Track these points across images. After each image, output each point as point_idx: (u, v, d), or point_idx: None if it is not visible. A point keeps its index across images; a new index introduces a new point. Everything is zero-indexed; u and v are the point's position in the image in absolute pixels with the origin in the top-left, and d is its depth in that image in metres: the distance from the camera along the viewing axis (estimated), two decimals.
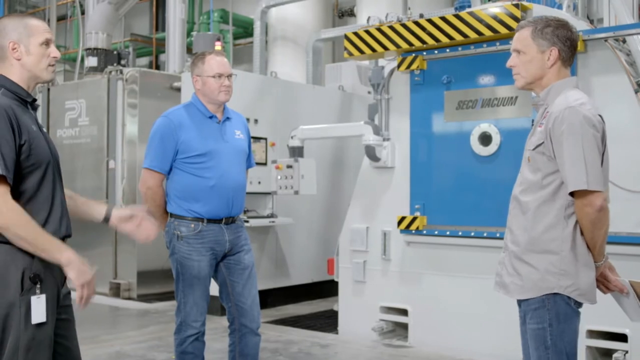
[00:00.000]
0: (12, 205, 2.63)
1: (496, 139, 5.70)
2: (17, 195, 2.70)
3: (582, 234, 2.88)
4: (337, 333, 6.75)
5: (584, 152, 2.77)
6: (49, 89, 9.82)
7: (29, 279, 2.68)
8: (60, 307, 2.87)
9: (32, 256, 2.70)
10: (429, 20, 5.91)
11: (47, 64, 2.87)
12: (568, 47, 2.96)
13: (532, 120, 3.10)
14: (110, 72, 9.19)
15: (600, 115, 2.89)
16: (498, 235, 5.59)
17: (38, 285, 2.70)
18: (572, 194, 2.82)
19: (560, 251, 2.86)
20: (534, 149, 2.93)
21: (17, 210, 2.64)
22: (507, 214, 3.10)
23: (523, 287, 2.95)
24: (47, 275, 2.75)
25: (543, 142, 2.88)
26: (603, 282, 3.01)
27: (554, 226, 2.88)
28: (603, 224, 2.83)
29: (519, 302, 3.06)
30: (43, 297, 2.70)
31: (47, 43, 2.86)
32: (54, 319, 2.78)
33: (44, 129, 2.95)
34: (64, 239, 2.89)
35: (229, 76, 4.17)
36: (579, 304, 2.93)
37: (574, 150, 2.77)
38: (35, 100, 2.91)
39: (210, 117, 4.17)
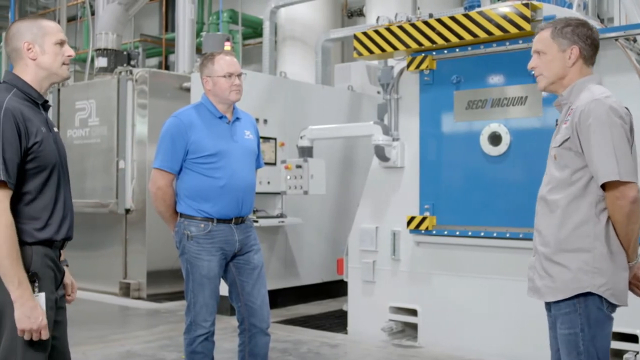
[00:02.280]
0: (6, 214, 2.63)
1: (506, 139, 5.68)
2: (19, 196, 2.71)
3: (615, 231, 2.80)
4: (346, 333, 6.75)
5: (614, 142, 2.71)
6: (59, 90, 9.87)
7: (27, 277, 2.68)
8: (57, 308, 2.87)
9: (31, 254, 2.71)
10: (439, 20, 5.90)
11: (62, 62, 2.89)
12: (589, 45, 2.95)
13: (556, 120, 3.04)
14: (120, 72, 9.22)
15: (626, 108, 2.86)
16: (508, 235, 5.59)
17: (36, 284, 2.69)
18: (603, 187, 2.75)
19: (592, 249, 2.79)
20: (559, 146, 2.88)
21: (8, 221, 2.63)
22: (534, 216, 3.02)
23: (555, 288, 2.86)
24: (45, 275, 2.75)
25: (569, 138, 2.83)
26: (636, 285, 2.93)
27: (585, 223, 2.80)
28: (638, 218, 2.74)
29: (548, 306, 2.97)
30: (42, 295, 2.70)
31: (61, 43, 2.88)
32: (52, 319, 2.78)
33: (56, 130, 2.95)
34: (64, 242, 2.89)
35: (239, 75, 4.18)
36: (612, 309, 2.85)
37: (602, 142, 2.72)
38: (47, 101, 2.92)
39: (220, 118, 4.18)
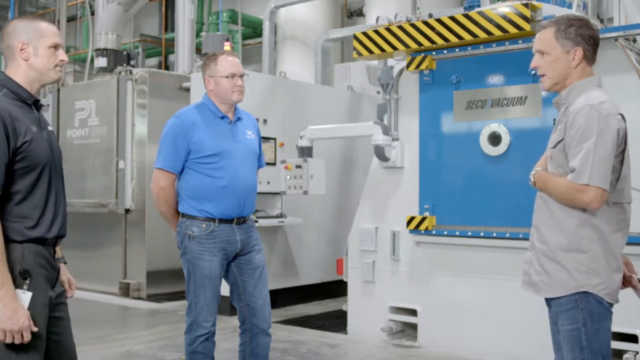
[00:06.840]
0: None
1: (505, 139, 5.69)
2: (9, 196, 2.71)
3: (612, 231, 2.89)
4: (346, 333, 6.75)
5: (595, 149, 2.77)
6: (59, 90, 9.87)
7: (19, 274, 2.69)
8: (54, 305, 2.87)
9: (22, 252, 2.71)
10: (438, 20, 5.90)
11: (54, 65, 2.88)
12: (592, 45, 2.99)
13: (554, 120, 3.09)
14: (120, 72, 9.22)
15: (621, 114, 2.90)
16: (507, 235, 5.59)
17: (27, 281, 2.69)
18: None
19: (588, 250, 2.87)
20: (554, 147, 2.95)
21: None
22: (533, 212, 3.09)
23: (551, 285, 2.94)
24: (37, 273, 2.75)
25: (562, 139, 2.90)
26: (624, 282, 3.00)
27: (581, 224, 2.88)
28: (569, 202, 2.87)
29: (549, 302, 3.03)
30: (29, 294, 2.69)
31: (55, 47, 2.88)
32: (46, 318, 2.78)
33: (50, 128, 2.96)
34: (56, 240, 2.89)
35: (242, 76, 4.18)
36: (611, 304, 2.92)
37: (586, 146, 2.78)
38: (38, 100, 2.91)
39: (222, 118, 4.18)
